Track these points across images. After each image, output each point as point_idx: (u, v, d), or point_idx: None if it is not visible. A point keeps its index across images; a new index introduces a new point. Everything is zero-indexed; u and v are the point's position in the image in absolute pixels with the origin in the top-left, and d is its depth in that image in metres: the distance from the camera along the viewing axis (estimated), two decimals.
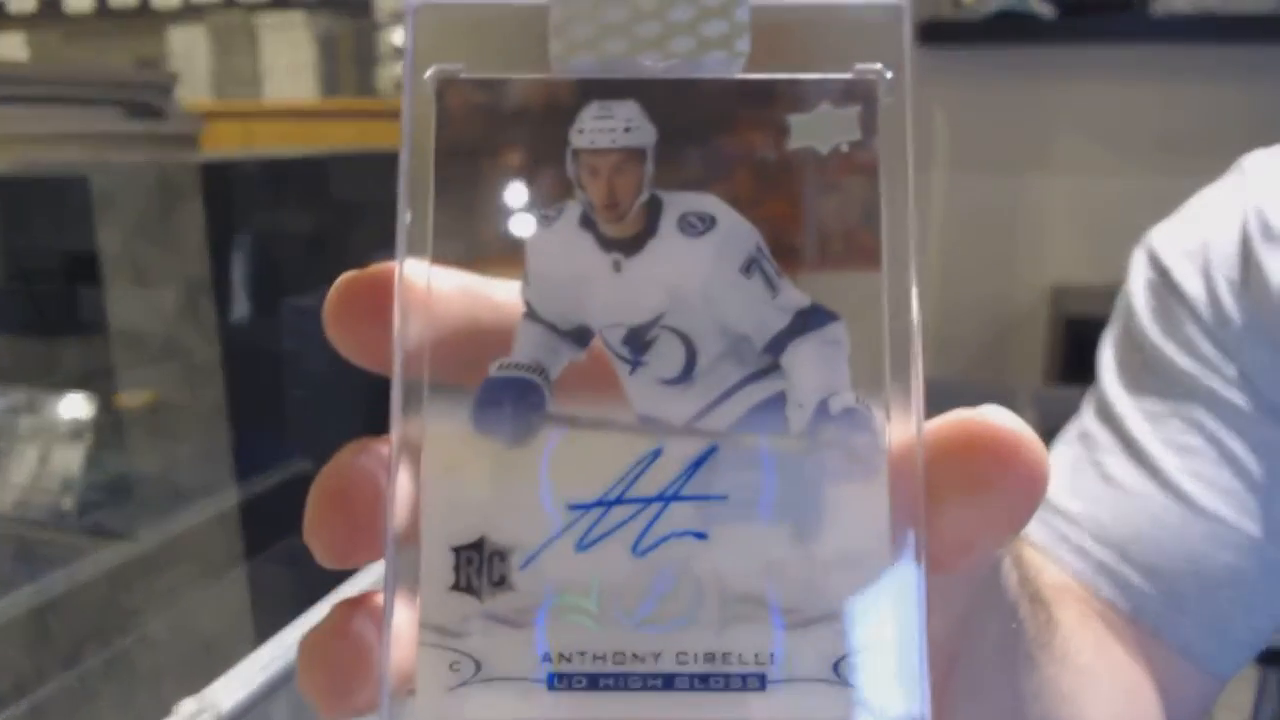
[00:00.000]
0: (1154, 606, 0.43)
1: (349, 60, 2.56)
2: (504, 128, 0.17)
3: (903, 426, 0.16)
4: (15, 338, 1.13)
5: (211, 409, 0.88)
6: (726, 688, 0.15)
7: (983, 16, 1.86)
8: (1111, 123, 1.91)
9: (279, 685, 0.63)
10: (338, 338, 0.17)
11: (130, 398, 0.92)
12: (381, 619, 0.16)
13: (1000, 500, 0.16)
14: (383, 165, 1.13)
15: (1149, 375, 0.46)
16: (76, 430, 0.92)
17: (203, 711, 0.59)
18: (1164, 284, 0.47)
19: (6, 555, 0.92)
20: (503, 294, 0.17)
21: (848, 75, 0.16)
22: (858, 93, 0.16)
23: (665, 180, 0.17)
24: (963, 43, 1.94)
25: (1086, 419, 0.49)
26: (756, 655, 0.15)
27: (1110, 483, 0.45)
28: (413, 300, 0.16)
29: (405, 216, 0.16)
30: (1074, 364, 1.66)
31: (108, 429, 0.94)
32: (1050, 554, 0.45)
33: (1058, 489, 0.47)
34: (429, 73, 0.17)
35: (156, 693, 0.85)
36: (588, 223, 0.17)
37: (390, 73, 2.48)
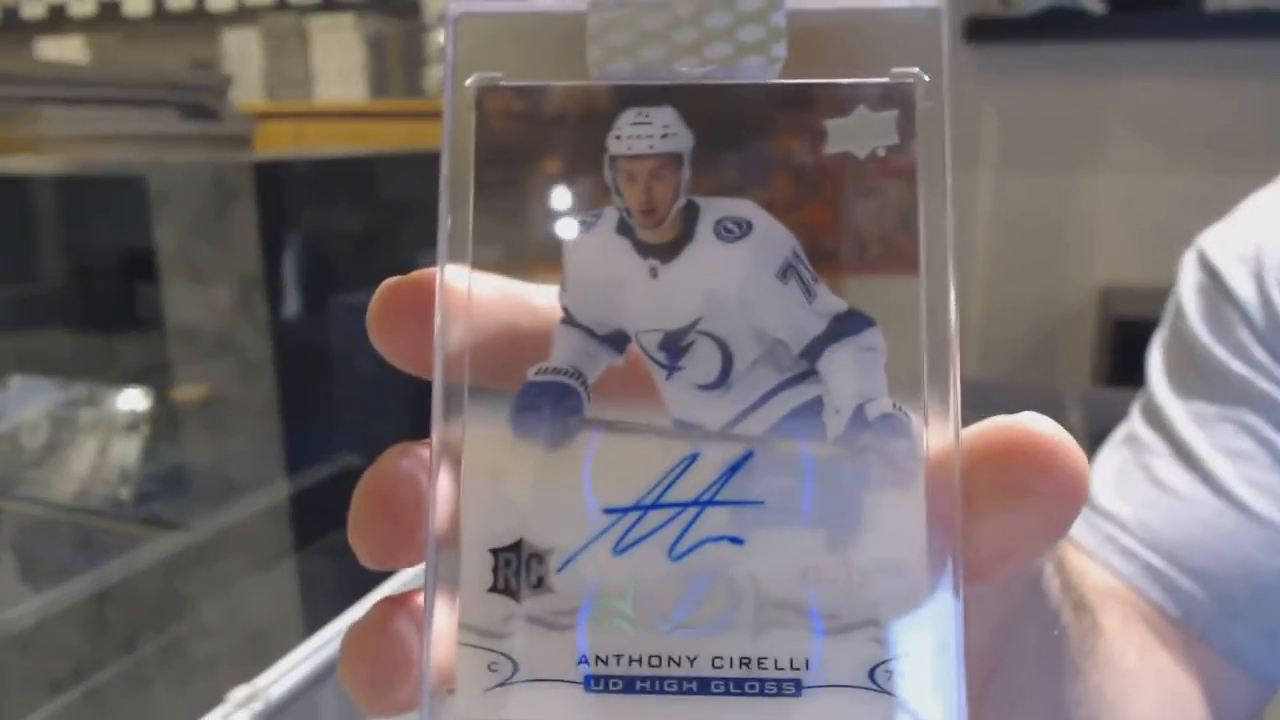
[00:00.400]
0: (1204, 611, 0.42)
1: (397, 62, 2.59)
2: (543, 134, 0.17)
3: (940, 433, 0.15)
4: (76, 333, 1.15)
5: (263, 404, 0.89)
6: (762, 693, 0.15)
7: (1031, 13, 1.84)
8: (1163, 121, 1.87)
9: (327, 675, 0.64)
10: (380, 342, 0.17)
11: (185, 392, 0.94)
12: (421, 618, 0.16)
13: (1039, 508, 0.16)
14: (430, 165, 1.14)
15: (1199, 378, 0.46)
16: (134, 423, 0.94)
17: (254, 699, 0.60)
18: (1215, 287, 0.47)
19: (66, 544, 0.94)
20: (541, 299, 0.17)
21: (885, 79, 0.16)
22: (895, 97, 0.16)
23: (702, 186, 0.16)
24: (1011, 40, 1.91)
25: (1135, 423, 0.48)
26: (792, 661, 0.15)
27: (1159, 486, 0.44)
28: (453, 305, 0.16)
29: (446, 222, 0.17)
30: (1123, 366, 1.64)
31: (163, 422, 0.96)
32: (1097, 557, 0.44)
33: (1105, 492, 0.46)
34: (469, 80, 0.17)
35: (209, 680, 0.87)
36: (625, 228, 0.17)
37: (438, 74, 2.50)
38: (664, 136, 0.16)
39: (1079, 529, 0.46)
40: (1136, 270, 1.91)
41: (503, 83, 0.17)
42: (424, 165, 1.19)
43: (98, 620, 0.87)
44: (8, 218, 1.16)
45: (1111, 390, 1.55)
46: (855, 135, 0.16)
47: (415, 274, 0.17)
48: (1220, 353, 0.45)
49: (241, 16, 2.76)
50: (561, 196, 0.17)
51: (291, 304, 0.90)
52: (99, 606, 0.87)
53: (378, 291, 0.17)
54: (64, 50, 2.83)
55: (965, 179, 2.04)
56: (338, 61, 2.64)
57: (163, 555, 0.89)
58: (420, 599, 0.16)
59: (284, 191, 0.92)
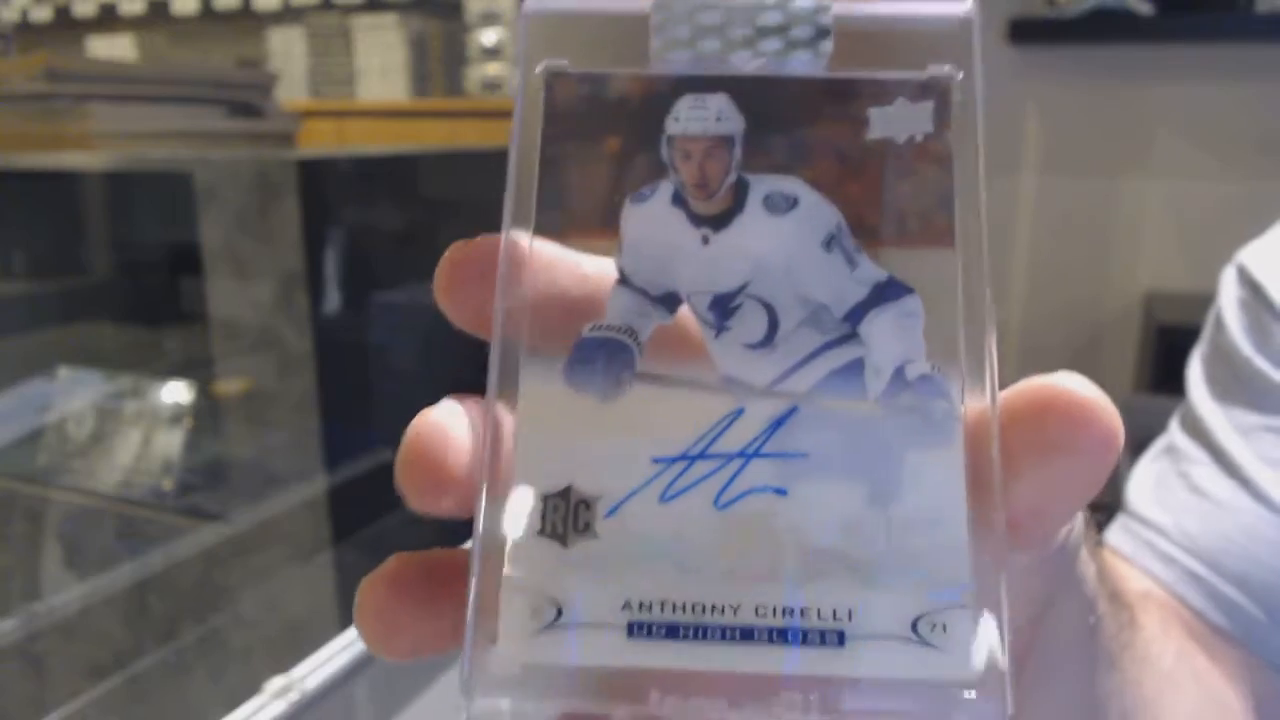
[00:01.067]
0: (1246, 617, 0.42)
1: (439, 61, 2.61)
2: (605, 115, 0.18)
3: (978, 393, 0.16)
4: (122, 326, 1.17)
5: (303, 398, 0.90)
6: (805, 642, 0.15)
7: (1077, 14, 1.81)
8: (1210, 125, 1.84)
9: (362, 666, 0.65)
10: (445, 301, 0.18)
11: (227, 385, 0.95)
12: (440, 568, 0.16)
13: (1074, 463, 0.16)
14: (471, 164, 1.15)
15: (1240, 389, 0.46)
16: (176, 415, 0.96)
17: (289, 689, 0.61)
18: (1257, 300, 0.47)
19: (109, 533, 0.96)
20: (594, 266, 0.18)
21: (923, 75, 0.18)
22: (931, 90, 0.18)
23: (753, 165, 0.18)
24: (1056, 41, 1.89)
25: (1174, 434, 0.49)
26: (835, 611, 0.15)
27: (1199, 493, 0.45)
28: (514, 266, 0.17)
29: (513, 190, 0.18)
30: (1166, 372, 1.61)
31: (205, 415, 0.97)
32: (1136, 563, 0.44)
33: (1143, 500, 0.46)
34: (539, 67, 0.18)
35: (247, 669, 0.88)
36: (679, 200, 0.18)
37: (479, 73, 2.52)
38: (718, 120, 0.18)
39: (1118, 536, 0.46)
40: (1181, 276, 1.88)
41: (570, 69, 0.18)
42: (464, 163, 1.20)
43: (138, 609, 0.89)
44: (58, 212, 1.18)
45: (1155, 397, 1.53)
46: (895, 123, 0.17)
47: (480, 239, 0.18)
48: (1262, 364, 0.45)
49: (287, 16, 2.79)
50: (621, 171, 0.18)
51: (332, 300, 0.91)
52: (140, 595, 0.89)
53: (445, 254, 0.18)
54: (114, 48, 2.88)
55: (1008, 181, 2.02)
56: (380, 60, 2.67)
57: (203, 546, 0.91)
58: (439, 553, 0.17)
59: (326, 189, 0.93)
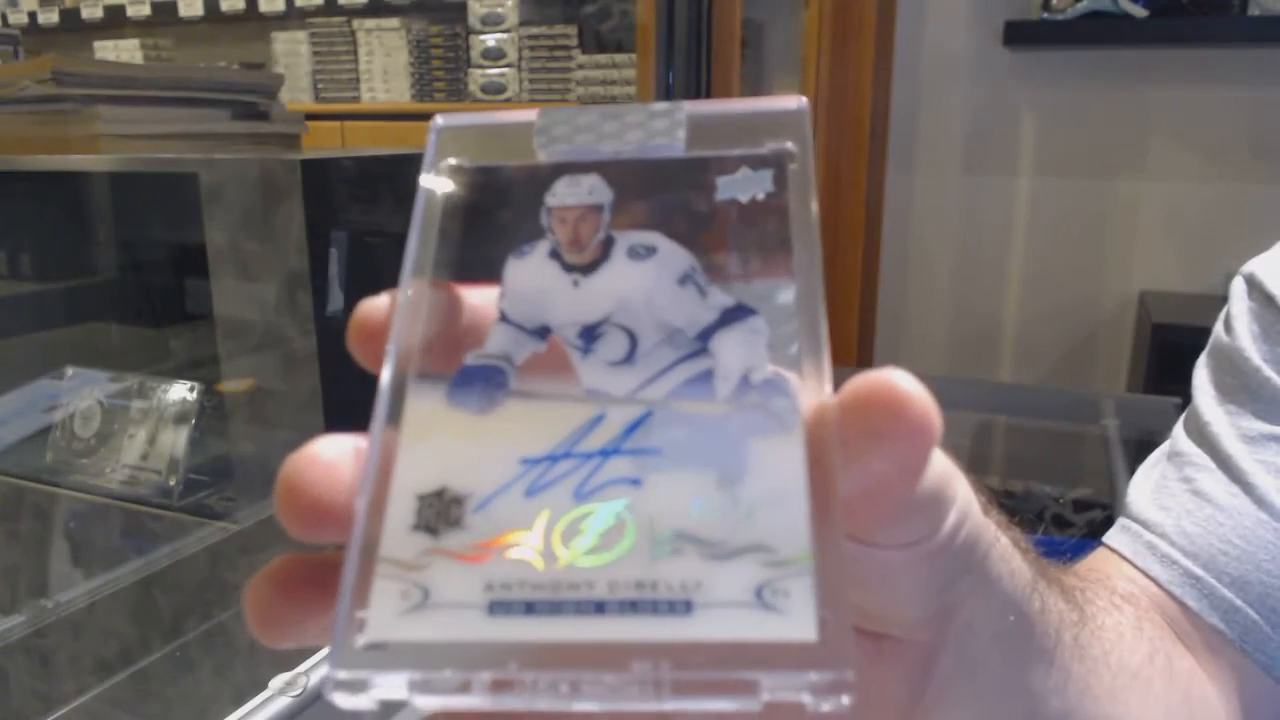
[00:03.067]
0: (1242, 620, 0.42)
1: (441, 64, 2.61)
2: (494, 196, 0.22)
3: (815, 393, 0.18)
4: (128, 326, 1.18)
5: (307, 397, 0.91)
6: (655, 612, 0.16)
7: (1072, 17, 1.82)
8: (1204, 127, 1.85)
9: None
10: (355, 349, 0.20)
11: (232, 384, 0.96)
12: (317, 570, 0.18)
13: (894, 447, 0.18)
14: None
15: (1248, 398, 0.46)
16: (182, 414, 0.96)
17: (294, 686, 0.62)
18: (1268, 309, 0.47)
19: (115, 530, 0.96)
20: (479, 300, 0.20)
21: (763, 149, 0.21)
22: (771, 160, 0.21)
23: (620, 225, 0.21)
24: (1051, 44, 1.90)
25: (1178, 439, 0.49)
26: (684, 584, 0.16)
27: (1201, 497, 0.45)
28: (411, 309, 0.20)
29: (412, 253, 0.21)
30: (1160, 372, 1.61)
31: (210, 414, 0.98)
32: (1136, 564, 0.45)
33: (1144, 503, 0.47)
34: (443, 162, 0.22)
35: (252, 666, 0.88)
36: (555, 254, 0.21)
37: (480, 76, 2.53)
38: (589, 193, 0.21)
39: (1118, 538, 0.46)
40: (1175, 276, 1.88)
41: (466, 163, 0.22)
42: None
43: (145, 606, 0.89)
44: (65, 213, 1.19)
45: (1149, 396, 1.53)
46: (741, 186, 0.21)
47: (380, 296, 0.21)
48: (1271, 374, 0.46)
49: (291, 19, 2.80)
50: (506, 235, 0.21)
51: (335, 299, 0.92)
52: (146, 592, 0.89)
53: (354, 311, 0.21)
54: (120, 50, 2.89)
55: (1003, 183, 2.02)
56: (383, 63, 2.67)
57: (207, 544, 0.91)
58: (324, 556, 0.18)
59: (330, 189, 0.94)
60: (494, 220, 0.21)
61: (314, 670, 0.64)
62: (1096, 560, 0.46)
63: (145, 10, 2.92)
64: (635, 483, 0.17)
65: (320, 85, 2.76)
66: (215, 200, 0.90)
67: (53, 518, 0.99)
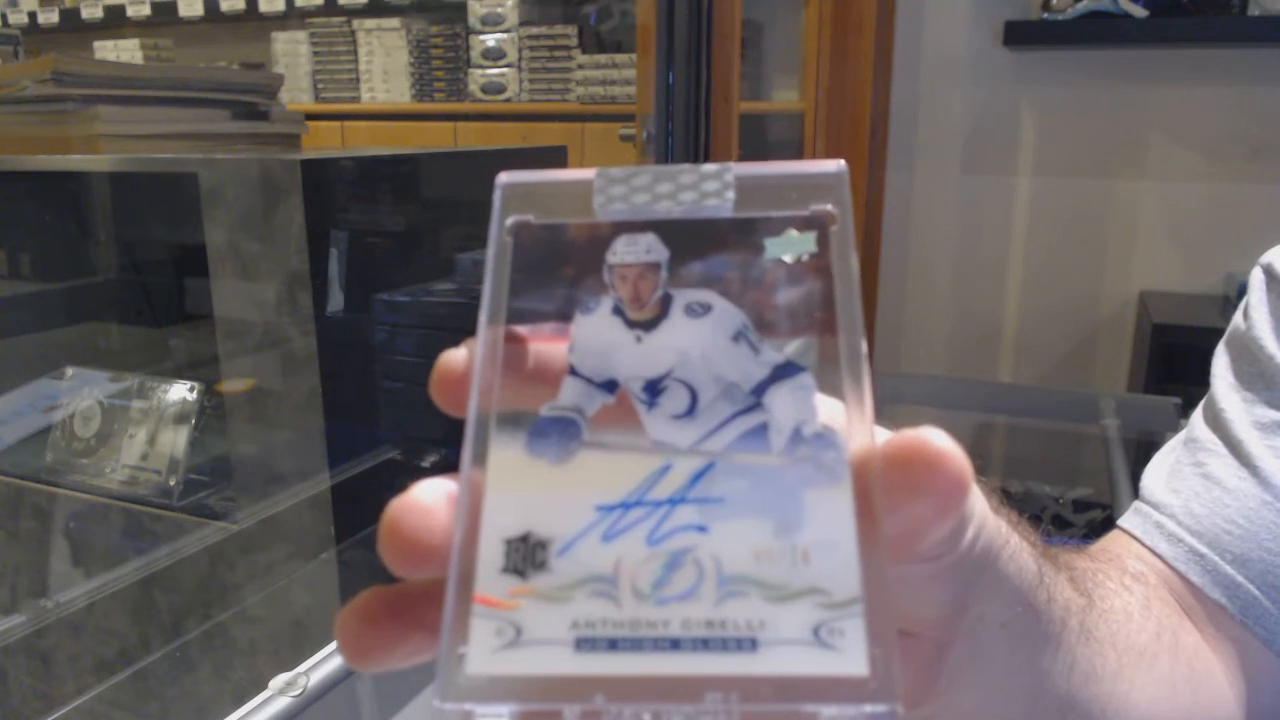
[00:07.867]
0: (1244, 595, 0.44)
1: (441, 64, 2.62)
2: (560, 252, 0.23)
3: (861, 444, 0.20)
4: (128, 326, 1.18)
5: (307, 397, 0.91)
6: (724, 649, 0.18)
7: (1072, 17, 1.82)
8: (1203, 127, 1.85)
9: None
10: (437, 396, 0.22)
11: (232, 384, 0.96)
12: (396, 606, 0.20)
13: (931, 500, 0.20)
14: (473, 164, 1.16)
15: (1263, 386, 0.48)
16: (182, 414, 0.97)
17: (294, 686, 0.62)
18: None
19: (115, 530, 0.96)
20: (551, 355, 0.22)
21: (807, 212, 0.23)
22: (814, 222, 0.23)
23: (677, 283, 0.23)
24: (1051, 44, 1.90)
25: (1195, 425, 0.50)
26: (749, 623, 0.18)
27: (1209, 480, 0.47)
28: (488, 362, 0.22)
29: (486, 308, 0.22)
30: (1160, 371, 1.62)
31: (210, 414, 0.98)
32: (1145, 543, 0.47)
33: (1156, 486, 0.49)
34: (509, 220, 0.24)
35: (252, 666, 0.88)
36: (618, 311, 0.22)
37: (479, 76, 2.53)
38: (647, 251, 0.23)
39: (1130, 519, 0.49)
40: (1174, 276, 1.89)
41: (532, 221, 0.24)
42: (465, 165, 1.21)
43: (145, 606, 0.90)
44: (65, 213, 1.19)
45: (1148, 396, 1.53)
46: (786, 247, 0.23)
47: (460, 348, 0.23)
48: None
49: (291, 19, 2.80)
50: (572, 291, 0.23)
51: (335, 299, 0.92)
52: (146, 592, 0.90)
53: (436, 361, 0.22)
54: (120, 50, 2.89)
55: (1002, 183, 2.02)
56: (383, 63, 2.68)
57: (207, 544, 0.91)
58: (403, 587, 0.20)
59: (330, 189, 0.94)
60: (558, 275, 0.23)
61: (313, 670, 0.64)
62: (1109, 541, 0.49)
63: (145, 10, 2.92)
64: (702, 529, 0.19)
65: (320, 85, 2.77)
66: (215, 200, 0.90)
67: (53, 518, 0.99)
